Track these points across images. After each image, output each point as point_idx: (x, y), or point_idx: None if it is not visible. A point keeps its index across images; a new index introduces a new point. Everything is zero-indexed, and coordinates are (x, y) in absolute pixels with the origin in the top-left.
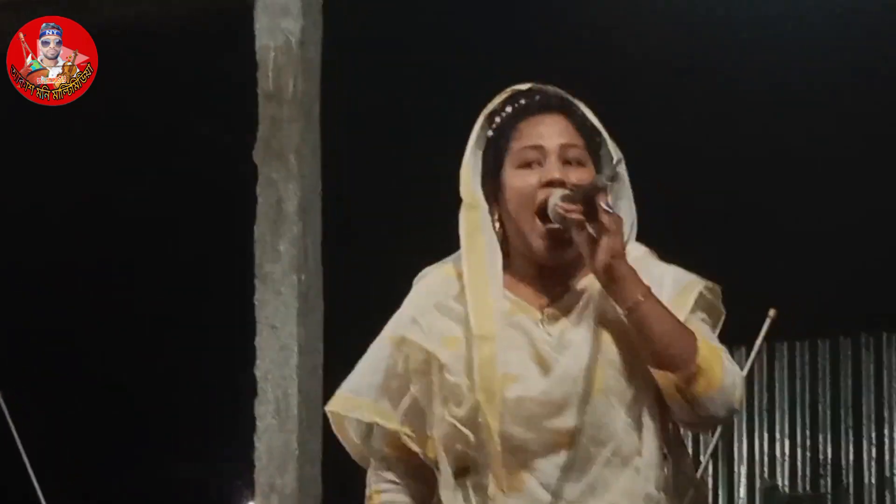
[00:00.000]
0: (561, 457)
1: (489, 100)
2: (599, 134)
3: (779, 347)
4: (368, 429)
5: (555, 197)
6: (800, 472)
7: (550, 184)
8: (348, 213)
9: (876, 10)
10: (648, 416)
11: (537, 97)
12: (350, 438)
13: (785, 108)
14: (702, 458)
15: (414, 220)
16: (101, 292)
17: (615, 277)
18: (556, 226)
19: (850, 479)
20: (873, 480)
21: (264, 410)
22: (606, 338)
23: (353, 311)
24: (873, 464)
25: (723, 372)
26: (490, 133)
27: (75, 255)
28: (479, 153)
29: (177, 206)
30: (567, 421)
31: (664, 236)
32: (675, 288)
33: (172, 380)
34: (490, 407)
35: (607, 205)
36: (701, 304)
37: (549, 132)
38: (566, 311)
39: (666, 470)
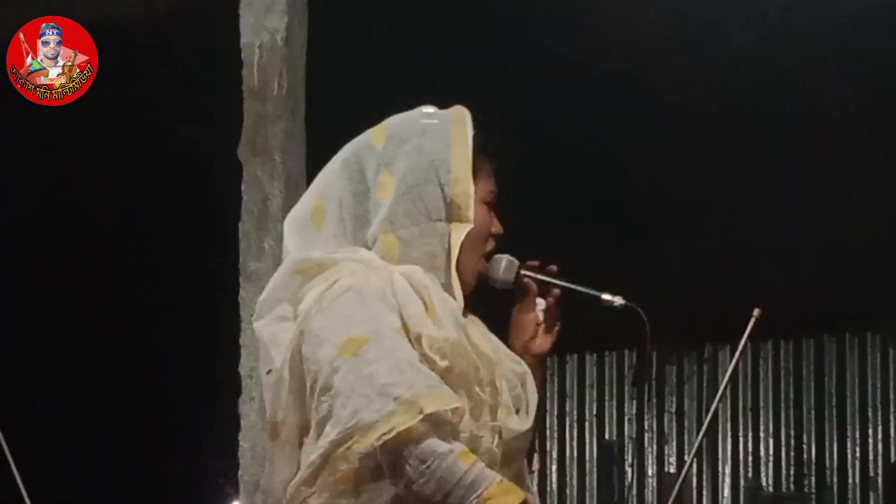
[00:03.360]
0: (513, 469)
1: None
2: None
3: (763, 347)
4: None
5: (508, 260)
6: (784, 472)
7: (497, 238)
8: None
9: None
10: None
11: (495, 138)
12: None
13: (770, 106)
14: (686, 457)
15: None
16: (83, 289)
17: (541, 362)
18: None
19: (835, 479)
20: (857, 480)
21: (248, 409)
22: None
23: None
24: (857, 463)
25: None
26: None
27: (56, 253)
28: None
29: (161, 203)
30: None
31: (648, 236)
32: None
33: (156, 377)
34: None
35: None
36: None
37: (492, 184)
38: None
39: None
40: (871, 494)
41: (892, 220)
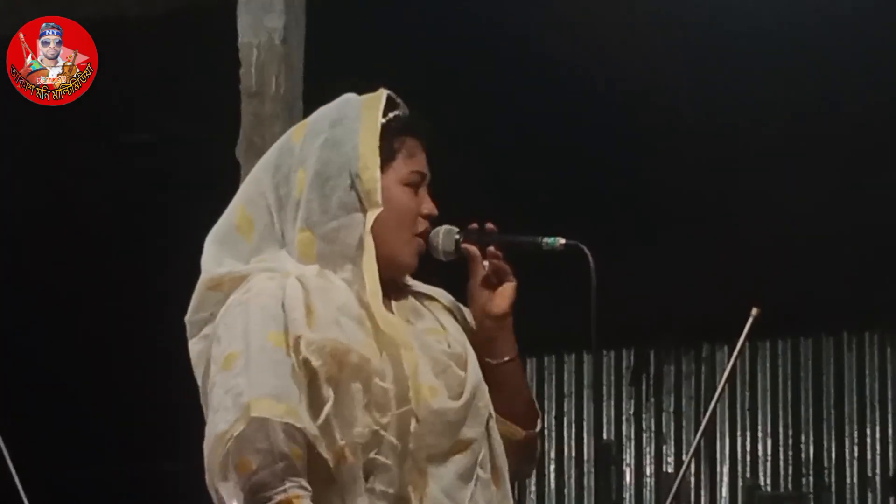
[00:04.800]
0: (457, 464)
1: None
2: None
3: (761, 346)
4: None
5: (446, 230)
6: (782, 472)
7: (429, 218)
8: None
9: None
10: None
11: (404, 117)
12: (264, 448)
13: (770, 106)
14: (684, 457)
15: None
16: (79, 289)
17: (504, 325)
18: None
19: (833, 479)
20: (855, 480)
21: None
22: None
23: None
24: (855, 463)
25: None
26: (383, 121)
27: (51, 253)
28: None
29: (158, 203)
30: (472, 430)
31: (648, 234)
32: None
33: (154, 378)
34: (419, 414)
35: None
36: None
37: (423, 162)
38: (415, 314)
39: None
40: (870, 494)
41: (890, 220)
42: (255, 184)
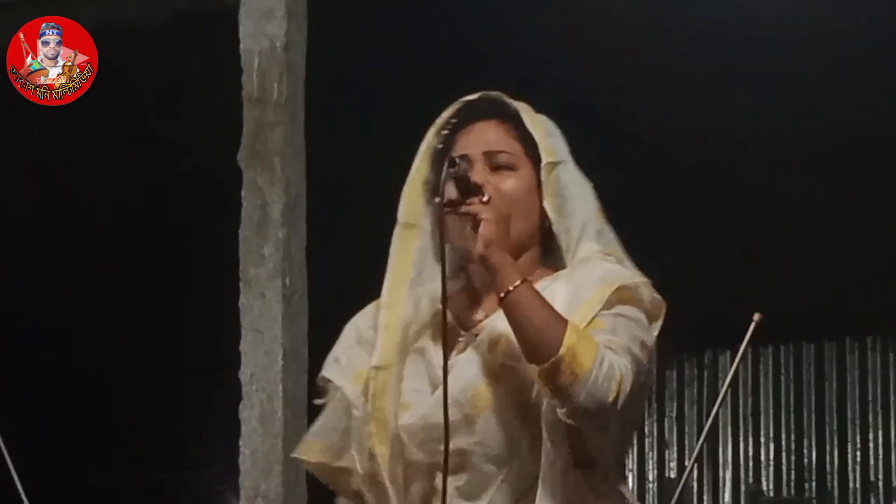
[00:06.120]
0: (458, 479)
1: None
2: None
3: (763, 352)
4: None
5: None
6: (785, 477)
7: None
8: (333, 217)
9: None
10: (555, 430)
11: (479, 105)
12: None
13: (772, 110)
14: (687, 462)
15: None
16: (83, 295)
17: (489, 266)
18: None
19: (835, 484)
20: (858, 485)
21: (249, 415)
22: (501, 352)
23: (337, 316)
24: (858, 468)
25: (592, 363)
26: (439, 146)
27: (58, 258)
28: (428, 165)
29: (160, 209)
30: (455, 443)
31: (649, 239)
32: (595, 285)
33: (156, 384)
34: (381, 437)
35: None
36: (622, 298)
37: (476, 140)
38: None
39: (576, 489)
40: (872, 499)
41: (893, 226)
42: None
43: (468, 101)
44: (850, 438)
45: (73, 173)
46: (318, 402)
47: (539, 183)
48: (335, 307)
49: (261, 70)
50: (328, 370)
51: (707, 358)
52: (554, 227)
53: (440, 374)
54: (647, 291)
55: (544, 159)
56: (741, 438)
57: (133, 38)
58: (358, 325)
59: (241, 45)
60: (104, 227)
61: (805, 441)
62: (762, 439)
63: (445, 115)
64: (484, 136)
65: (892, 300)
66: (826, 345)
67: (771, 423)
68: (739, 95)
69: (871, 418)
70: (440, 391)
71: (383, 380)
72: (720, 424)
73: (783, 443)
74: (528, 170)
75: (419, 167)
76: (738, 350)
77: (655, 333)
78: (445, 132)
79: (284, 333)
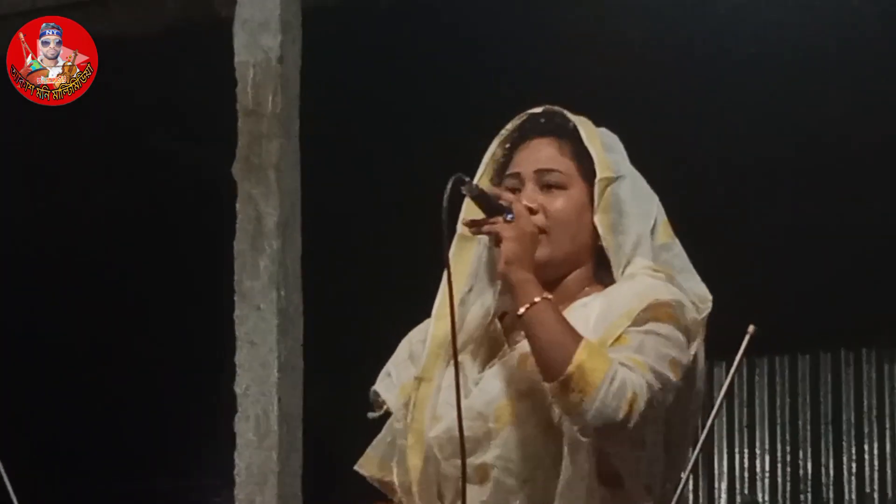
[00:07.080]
0: (483, 491)
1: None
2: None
3: (759, 363)
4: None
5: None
6: (780, 488)
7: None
8: (328, 229)
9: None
10: (576, 447)
11: (538, 120)
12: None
13: (770, 122)
14: (682, 473)
15: (395, 235)
16: (79, 307)
17: (508, 284)
18: None
19: (831, 495)
20: (853, 496)
21: (244, 427)
22: (531, 368)
23: (333, 328)
24: (853, 479)
25: (601, 381)
26: (502, 159)
27: (54, 269)
28: (490, 177)
29: (156, 221)
30: (479, 457)
31: None
32: (628, 301)
33: (151, 395)
34: (416, 449)
35: (504, 213)
36: (656, 315)
37: (530, 158)
38: None
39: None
40: None
41: (888, 238)
42: None
43: (531, 115)
44: (845, 450)
45: (65, 187)
46: (371, 415)
47: (593, 200)
48: (330, 320)
49: (255, 82)
50: (379, 384)
51: None
52: (604, 244)
53: (472, 388)
54: (686, 308)
55: (599, 175)
56: (736, 450)
57: (128, 50)
58: (411, 339)
59: (236, 58)
60: (98, 240)
61: (800, 452)
62: (757, 450)
63: (510, 126)
64: (537, 154)
65: (887, 312)
66: (821, 356)
67: (766, 434)
68: (737, 105)
69: (866, 429)
70: (466, 403)
71: (424, 392)
72: (715, 435)
73: (778, 454)
74: (581, 188)
75: (481, 178)
76: (733, 362)
77: (694, 352)
78: (508, 146)
79: (279, 346)
